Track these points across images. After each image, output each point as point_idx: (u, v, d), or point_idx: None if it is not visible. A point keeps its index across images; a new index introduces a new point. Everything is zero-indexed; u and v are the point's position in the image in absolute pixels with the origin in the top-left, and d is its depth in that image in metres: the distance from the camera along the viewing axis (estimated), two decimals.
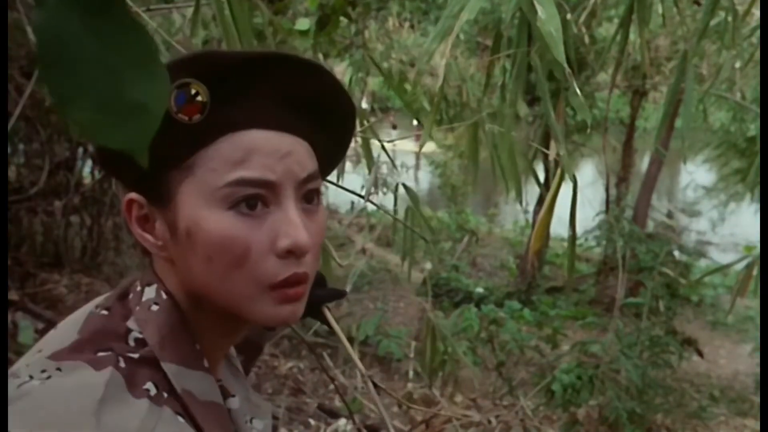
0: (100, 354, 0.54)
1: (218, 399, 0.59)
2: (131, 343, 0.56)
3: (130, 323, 0.58)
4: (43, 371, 0.52)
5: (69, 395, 0.50)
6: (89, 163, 4.36)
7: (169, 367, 0.55)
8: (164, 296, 0.59)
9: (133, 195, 0.58)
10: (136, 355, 0.55)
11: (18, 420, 0.47)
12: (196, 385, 0.57)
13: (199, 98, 0.55)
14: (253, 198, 0.56)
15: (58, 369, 0.52)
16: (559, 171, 1.10)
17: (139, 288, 0.60)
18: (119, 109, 0.30)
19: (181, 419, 0.54)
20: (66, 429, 0.47)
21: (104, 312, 0.60)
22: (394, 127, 8.50)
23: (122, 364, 0.53)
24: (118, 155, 0.51)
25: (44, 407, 0.49)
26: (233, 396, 0.65)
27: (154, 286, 0.60)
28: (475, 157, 1.32)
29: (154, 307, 0.58)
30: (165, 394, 0.54)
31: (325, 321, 0.85)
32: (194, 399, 0.56)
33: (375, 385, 0.81)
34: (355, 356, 0.89)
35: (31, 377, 0.52)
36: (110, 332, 0.57)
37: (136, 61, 0.30)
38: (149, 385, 0.53)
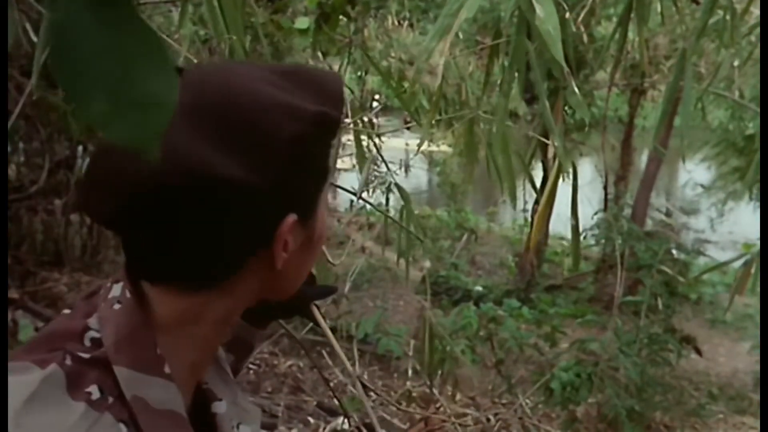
0: (51, 353, 0.52)
1: (179, 408, 0.55)
2: (86, 342, 0.54)
3: (91, 321, 0.55)
4: None
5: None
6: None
7: (120, 371, 0.52)
8: (128, 295, 0.55)
9: (295, 216, 0.56)
10: (87, 356, 0.52)
11: None
12: (151, 392, 0.53)
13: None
14: None
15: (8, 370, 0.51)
16: (556, 165, 1.10)
17: (109, 284, 0.57)
18: (130, 101, 0.30)
19: (123, 427, 0.51)
20: None
21: (68, 311, 0.58)
22: (408, 126, 8.46)
23: (68, 362, 0.51)
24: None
25: None
26: (220, 400, 0.64)
27: (121, 284, 0.56)
28: (472, 153, 1.32)
29: (117, 306, 0.55)
30: (110, 399, 0.51)
31: (313, 319, 0.85)
32: (147, 407, 0.53)
33: (364, 386, 0.81)
34: (343, 355, 0.90)
35: None
36: (67, 331, 0.55)
37: (145, 54, 0.30)
38: (93, 388, 0.51)
